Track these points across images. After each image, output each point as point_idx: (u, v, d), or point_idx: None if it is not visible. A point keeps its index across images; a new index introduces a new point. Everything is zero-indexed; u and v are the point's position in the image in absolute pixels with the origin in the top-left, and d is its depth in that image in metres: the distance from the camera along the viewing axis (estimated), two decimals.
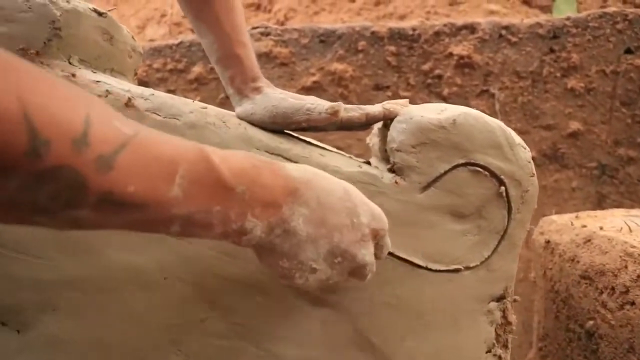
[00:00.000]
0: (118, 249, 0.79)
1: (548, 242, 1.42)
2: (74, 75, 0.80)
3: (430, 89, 2.15)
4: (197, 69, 2.09)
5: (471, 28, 2.15)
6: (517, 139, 0.85)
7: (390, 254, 0.79)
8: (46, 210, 0.42)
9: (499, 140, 0.82)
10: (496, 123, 0.83)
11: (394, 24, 2.10)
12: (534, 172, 0.86)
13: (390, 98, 2.10)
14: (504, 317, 0.88)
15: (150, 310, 0.80)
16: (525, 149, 0.85)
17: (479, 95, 2.15)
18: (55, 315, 0.80)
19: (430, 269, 0.83)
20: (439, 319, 0.84)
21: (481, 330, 0.87)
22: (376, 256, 0.68)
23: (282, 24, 3.20)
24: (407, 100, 0.90)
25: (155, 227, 0.50)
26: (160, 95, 0.81)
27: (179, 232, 0.52)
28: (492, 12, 3.01)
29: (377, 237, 0.67)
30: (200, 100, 0.93)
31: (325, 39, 2.09)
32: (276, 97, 0.86)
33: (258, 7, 3.45)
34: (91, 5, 0.91)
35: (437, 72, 2.15)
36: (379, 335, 0.83)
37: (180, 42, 2.14)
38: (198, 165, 0.51)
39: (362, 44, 2.09)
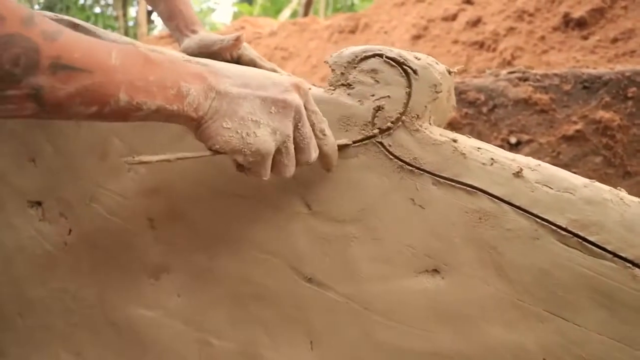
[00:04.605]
0: (497, 324, 0.75)
1: None
2: (455, 140, 0.79)
3: None
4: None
5: None
6: None
7: None
8: (11, 78, 0.53)
9: None
10: None
11: None
12: None
13: None
14: None
15: None
16: None
17: None
18: None
19: None
20: None
21: None
22: (310, 121, 0.74)
23: (509, 63, 3.12)
24: None
25: (106, 96, 0.59)
26: (546, 167, 0.77)
27: (128, 102, 0.61)
28: None
29: (300, 90, 0.72)
30: None
31: (590, 85, 1.97)
32: (204, 35, 1.22)
33: (481, 45, 3.39)
34: (445, 66, 0.90)
35: None
36: None
37: None
38: (127, 47, 0.62)
39: (632, 91, 1.94)
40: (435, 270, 0.77)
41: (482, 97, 2.02)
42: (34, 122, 0.99)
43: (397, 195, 0.78)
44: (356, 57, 0.82)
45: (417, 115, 0.79)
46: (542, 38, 3.17)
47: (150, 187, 0.93)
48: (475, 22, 3.56)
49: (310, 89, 0.79)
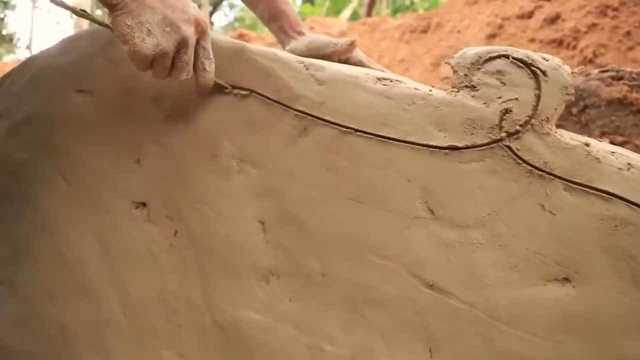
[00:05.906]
0: (634, 337, 0.72)
1: None
2: (587, 144, 0.76)
3: None
4: None
5: None
6: None
7: None
8: None
9: None
10: None
11: None
12: None
13: None
14: None
15: None
16: None
17: None
18: None
19: None
20: None
21: None
22: (197, 54, 0.90)
23: (591, 61, 3.02)
24: None
25: None
26: None
27: None
28: None
29: (199, 27, 0.88)
30: None
31: None
32: (314, 36, 1.21)
33: (560, 43, 3.29)
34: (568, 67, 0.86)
35: None
36: None
37: None
38: None
39: None
40: (566, 279, 0.74)
41: (572, 97, 1.95)
42: (140, 122, 1.00)
43: (526, 201, 0.76)
44: (480, 58, 0.80)
45: (547, 118, 0.77)
46: (628, 34, 3.04)
47: (262, 189, 0.92)
48: (554, 19, 3.46)
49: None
